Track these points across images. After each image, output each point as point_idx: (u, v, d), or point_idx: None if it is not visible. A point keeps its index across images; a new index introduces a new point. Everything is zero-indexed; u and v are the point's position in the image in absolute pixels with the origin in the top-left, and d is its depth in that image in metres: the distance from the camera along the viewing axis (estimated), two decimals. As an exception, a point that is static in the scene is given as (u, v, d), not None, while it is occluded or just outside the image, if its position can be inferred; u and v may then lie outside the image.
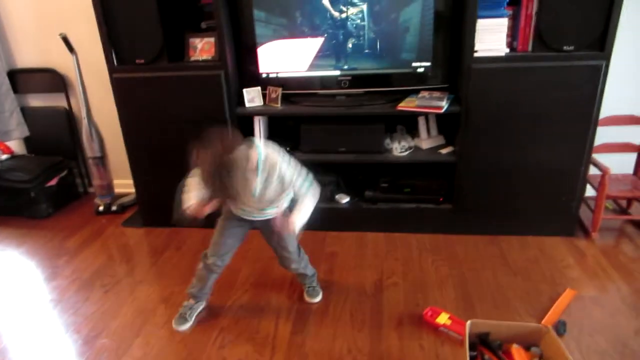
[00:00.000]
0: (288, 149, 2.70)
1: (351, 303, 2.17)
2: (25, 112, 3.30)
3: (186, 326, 2.03)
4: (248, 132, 2.72)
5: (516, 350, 1.64)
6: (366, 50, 2.53)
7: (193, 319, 2.06)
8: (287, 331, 2.01)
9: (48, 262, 2.61)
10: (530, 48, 2.29)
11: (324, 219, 2.76)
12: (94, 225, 3.00)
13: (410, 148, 2.65)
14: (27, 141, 3.40)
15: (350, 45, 2.53)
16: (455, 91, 2.51)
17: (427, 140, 2.68)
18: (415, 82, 2.59)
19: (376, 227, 2.74)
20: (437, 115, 2.64)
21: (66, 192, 3.30)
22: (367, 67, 2.56)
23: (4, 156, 3.18)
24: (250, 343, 1.95)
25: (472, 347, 1.68)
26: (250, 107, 2.63)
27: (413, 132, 2.75)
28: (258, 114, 2.67)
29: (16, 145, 3.40)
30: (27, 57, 3.22)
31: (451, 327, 1.96)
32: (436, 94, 2.50)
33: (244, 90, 2.62)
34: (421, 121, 2.66)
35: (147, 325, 2.07)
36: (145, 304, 2.21)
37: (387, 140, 2.65)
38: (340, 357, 1.85)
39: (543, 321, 1.95)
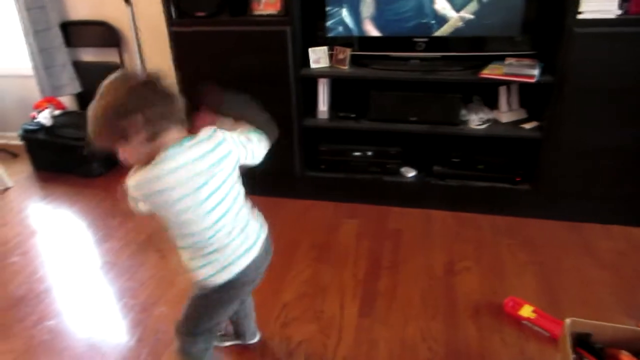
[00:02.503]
0: (353, 116, 2.51)
1: (421, 287, 2.00)
2: (78, 66, 3.20)
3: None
4: (310, 96, 2.53)
5: (627, 358, 1.44)
6: (448, 10, 2.27)
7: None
8: (353, 313, 1.86)
9: (101, 222, 2.54)
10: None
11: (387, 193, 2.60)
12: (147, 186, 2.91)
13: (488, 121, 2.41)
14: (79, 97, 3.32)
15: (429, 2, 2.28)
16: (545, 59, 2.24)
17: (507, 113, 2.42)
18: (499, 47, 2.33)
19: (444, 205, 2.53)
20: (520, 86, 2.38)
21: (117, 151, 3.22)
22: (447, 28, 2.31)
23: (57, 112, 3.10)
24: (315, 323, 1.81)
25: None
26: (315, 68, 2.43)
27: (490, 104, 2.50)
28: (323, 76, 2.46)
29: (68, 101, 3.32)
30: (81, 9, 3.10)
31: (536, 321, 1.77)
32: (525, 61, 2.24)
33: (310, 50, 2.42)
34: (502, 91, 2.41)
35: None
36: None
37: (463, 112, 2.42)
38: (414, 346, 1.70)
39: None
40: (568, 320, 1.49)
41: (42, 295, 2.00)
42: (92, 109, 1.09)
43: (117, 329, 1.83)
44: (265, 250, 1.34)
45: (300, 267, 2.13)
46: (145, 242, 2.34)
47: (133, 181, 1.12)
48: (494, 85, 2.39)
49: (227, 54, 2.41)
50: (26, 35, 2.99)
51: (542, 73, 2.18)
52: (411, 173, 2.57)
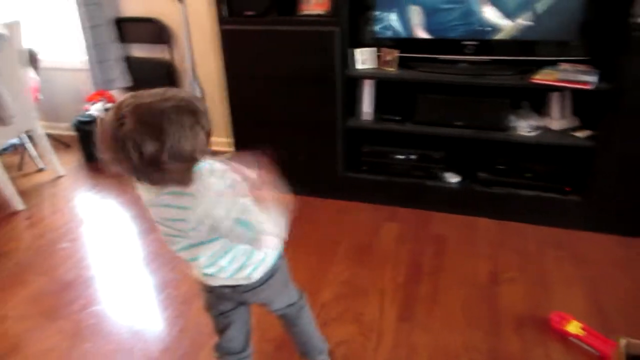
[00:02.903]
0: (398, 119, 2.48)
1: (463, 294, 1.95)
2: (129, 61, 3.30)
3: None
4: (355, 97, 2.52)
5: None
6: (500, 12, 2.22)
7: None
8: (393, 316, 1.84)
9: (146, 214, 2.59)
10: None
11: (430, 198, 2.55)
12: (191, 180, 2.97)
13: (537, 128, 2.33)
14: (129, 91, 3.41)
15: (481, 5, 2.23)
16: (602, 65, 2.15)
17: (559, 120, 2.34)
18: (552, 52, 2.25)
19: (488, 213, 2.47)
20: (574, 93, 2.29)
21: (164, 144, 3.29)
22: (498, 31, 2.25)
23: (108, 105, 3.20)
24: (354, 324, 1.80)
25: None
26: (362, 69, 2.42)
27: (539, 110, 2.42)
28: (369, 77, 2.45)
29: (119, 95, 3.43)
30: (134, 6, 3.19)
31: (585, 339, 1.69)
32: (580, 67, 2.15)
33: (357, 51, 2.40)
34: (555, 98, 2.33)
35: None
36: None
37: (512, 117, 2.35)
38: (456, 354, 1.66)
39: None
40: (623, 341, 1.43)
41: (89, 281, 2.07)
42: None
43: (159, 319, 1.87)
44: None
45: (340, 268, 2.13)
46: (188, 235, 2.38)
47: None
48: (544, 92, 2.31)
49: (275, 53, 2.43)
50: (82, 30, 3.11)
51: (599, 80, 2.09)
52: (455, 178, 2.52)
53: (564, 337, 1.72)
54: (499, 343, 1.71)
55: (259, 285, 1.27)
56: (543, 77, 2.16)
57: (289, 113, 2.52)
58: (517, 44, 2.31)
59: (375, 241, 2.31)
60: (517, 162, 2.45)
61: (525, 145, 2.37)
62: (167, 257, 2.21)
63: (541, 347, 1.69)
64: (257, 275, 1.24)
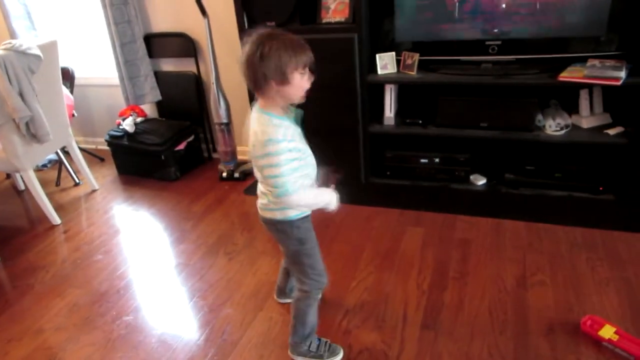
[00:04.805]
0: (420, 122, 2.46)
1: (490, 300, 1.91)
2: (158, 76, 3.40)
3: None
4: (377, 102, 2.52)
5: None
6: (523, 11, 2.17)
7: None
8: (416, 324, 1.82)
9: (176, 225, 2.68)
10: None
11: (455, 201, 2.52)
12: (218, 191, 3.03)
13: (567, 126, 2.27)
14: (159, 105, 3.53)
15: (503, 5, 2.19)
16: (635, 59, 2.07)
17: (589, 118, 2.27)
18: (580, 48, 2.18)
19: (516, 215, 2.41)
20: (604, 89, 2.22)
21: (192, 156, 3.38)
22: (522, 30, 2.21)
23: (139, 119, 3.31)
24: (377, 331, 1.79)
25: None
26: (382, 74, 2.42)
27: (568, 108, 2.35)
28: (391, 82, 2.45)
29: (148, 109, 3.54)
30: (162, 21, 3.29)
31: (619, 343, 1.62)
32: (609, 62, 2.08)
33: (377, 56, 2.41)
34: (583, 95, 2.26)
35: (269, 299, 2.00)
36: (267, 277, 2.15)
37: (539, 117, 2.29)
38: (481, 362, 1.63)
39: None
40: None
41: (121, 291, 2.15)
42: None
43: (187, 328, 1.92)
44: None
45: (363, 274, 2.12)
46: (215, 245, 2.43)
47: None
48: (573, 89, 2.25)
49: None
50: (114, 47, 3.23)
51: (631, 74, 2.01)
52: (481, 181, 2.47)
53: (597, 342, 1.66)
54: (527, 349, 1.66)
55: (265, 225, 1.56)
56: (570, 75, 2.10)
57: (312, 121, 2.53)
58: (543, 42, 2.26)
59: (399, 246, 2.29)
60: (546, 162, 2.38)
61: (554, 145, 2.31)
62: (197, 266, 2.27)
63: (573, 354, 1.63)
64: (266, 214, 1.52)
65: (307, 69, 1.32)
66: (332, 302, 1.95)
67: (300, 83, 1.32)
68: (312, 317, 1.64)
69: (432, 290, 1.99)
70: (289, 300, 1.91)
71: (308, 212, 1.54)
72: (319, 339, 1.69)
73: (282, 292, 1.96)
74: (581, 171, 2.30)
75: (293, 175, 1.34)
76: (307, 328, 1.65)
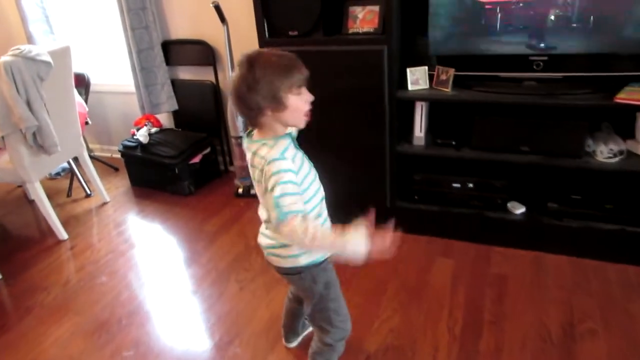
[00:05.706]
0: (454, 144, 2.24)
1: (532, 350, 1.68)
2: (175, 84, 3.26)
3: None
4: (407, 120, 2.31)
5: None
6: (573, 24, 1.94)
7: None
8: (448, 376, 1.61)
9: (188, 244, 2.51)
10: None
11: (490, 231, 2.29)
12: (232, 208, 2.86)
13: (620, 153, 2.02)
14: (175, 114, 3.38)
15: (552, 17, 1.97)
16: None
17: (646, 144, 2.02)
18: (637, 66, 1.94)
19: (559, 249, 2.17)
20: (665, 112, 1.97)
21: (208, 169, 3.22)
22: (572, 45, 1.97)
23: (154, 129, 3.17)
24: (403, 385, 1.59)
25: None
26: (413, 90, 2.21)
27: (622, 133, 2.10)
28: (422, 99, 2.23)
29: (164, 118, 3.41)
30: (181, 28, 3.15)
31: (690, 417, 1.39)
32: (674, 83, 1.84)
33: (408, 70, 2.20)
34: (641, 119, 2.01)
35: (281, 339, 1.81)
36: (281, 310, 1.95)
37: (589, 141, 2.05)
38: None
39: None
40: None
41: (123, 321, 1.98)
42: None
43: (196, 351, 1.76)
44: None
45: (388, 312, 1.91)
46: (227, 270, 2.26)
47: None
48: (629, 112, 2.00)
49: (320, 74, 2.21)
50: (130, 54, 3.10)
51: (697, 98, 1.77)
52: (520, 209, 2.24)
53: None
54: (579, 417, 1.44)
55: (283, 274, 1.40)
56: (629, 97, 1.86)
57: (334, 137, 2.35)
58: (594, 58, 2.02)
59: (428, 280, 2.08)
60: (595, 191, 2.14)
61: (605, 173, 2.06)
62: (205, 294, 2.09)
63: None
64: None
65: (302, 88, 1.16)
66: (351, 344, 1.73)
67: (298, 105, 1.16)
68: None
69: (465, 335, 1.77)
70: (300, 339, 1.76)
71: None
72: None
73: (293, 331, 1.77)
74: (635, 203, 2.05)
75: (290, 197, 1.16)
76: None
